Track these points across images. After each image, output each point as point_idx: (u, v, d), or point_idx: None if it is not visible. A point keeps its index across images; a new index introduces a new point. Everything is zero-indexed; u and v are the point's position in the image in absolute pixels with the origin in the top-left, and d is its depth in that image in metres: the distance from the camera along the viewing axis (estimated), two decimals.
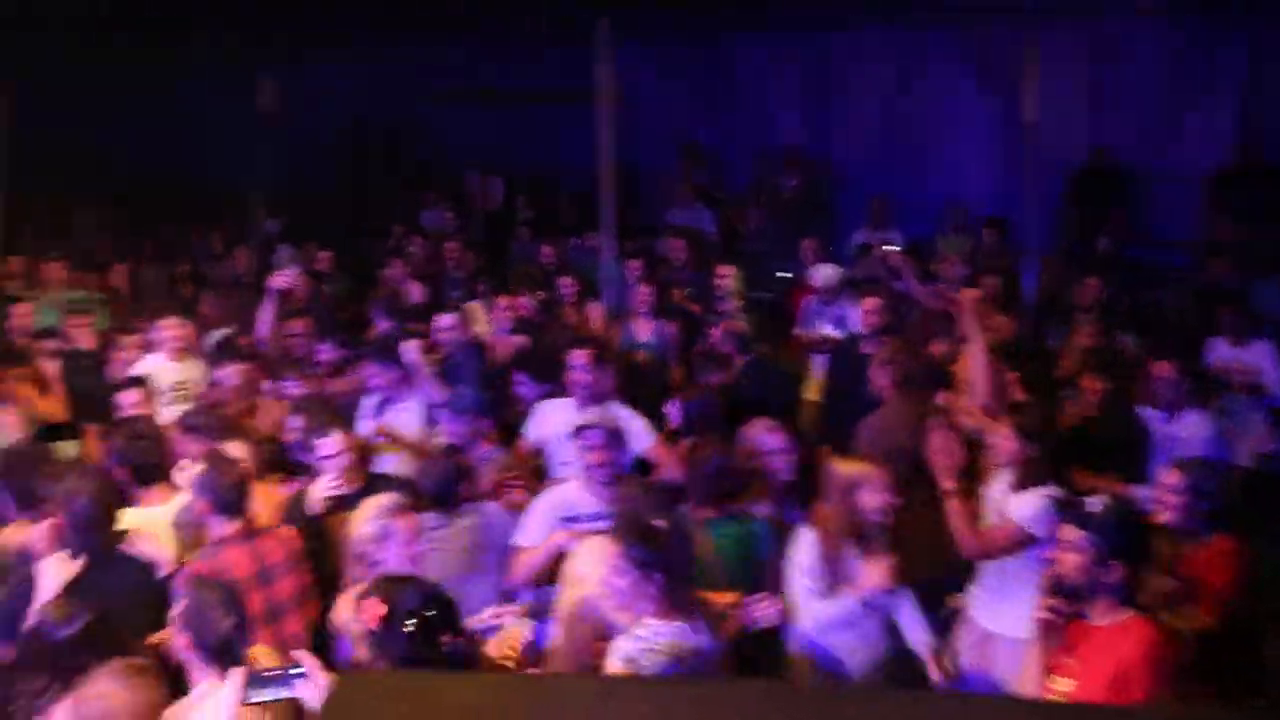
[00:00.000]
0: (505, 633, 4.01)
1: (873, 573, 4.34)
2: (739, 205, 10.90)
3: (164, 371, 6.73)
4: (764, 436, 5.14)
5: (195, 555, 4.49)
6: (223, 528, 4.46)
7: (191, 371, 6.85)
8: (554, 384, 6.19)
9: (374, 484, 5.05)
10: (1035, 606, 3.75)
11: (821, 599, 4.36)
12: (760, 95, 11.44)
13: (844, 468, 4.57)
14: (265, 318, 7.15)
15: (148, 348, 7.09)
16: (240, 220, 11.22)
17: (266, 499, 4.98)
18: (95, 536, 4.36)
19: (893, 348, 5.93)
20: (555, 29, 10.20)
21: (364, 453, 5.50)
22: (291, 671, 2.99)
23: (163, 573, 4.39)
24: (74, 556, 4.27)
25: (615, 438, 5.03)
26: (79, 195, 12.01)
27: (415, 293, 8.89)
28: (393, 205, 11.35)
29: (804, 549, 4.47)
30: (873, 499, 4.43)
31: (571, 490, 5.03)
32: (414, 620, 3.30)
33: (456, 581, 4.54)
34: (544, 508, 4.96)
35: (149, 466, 4.95)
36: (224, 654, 3.51)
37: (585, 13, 8.79)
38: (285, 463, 5.48)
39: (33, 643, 3.82)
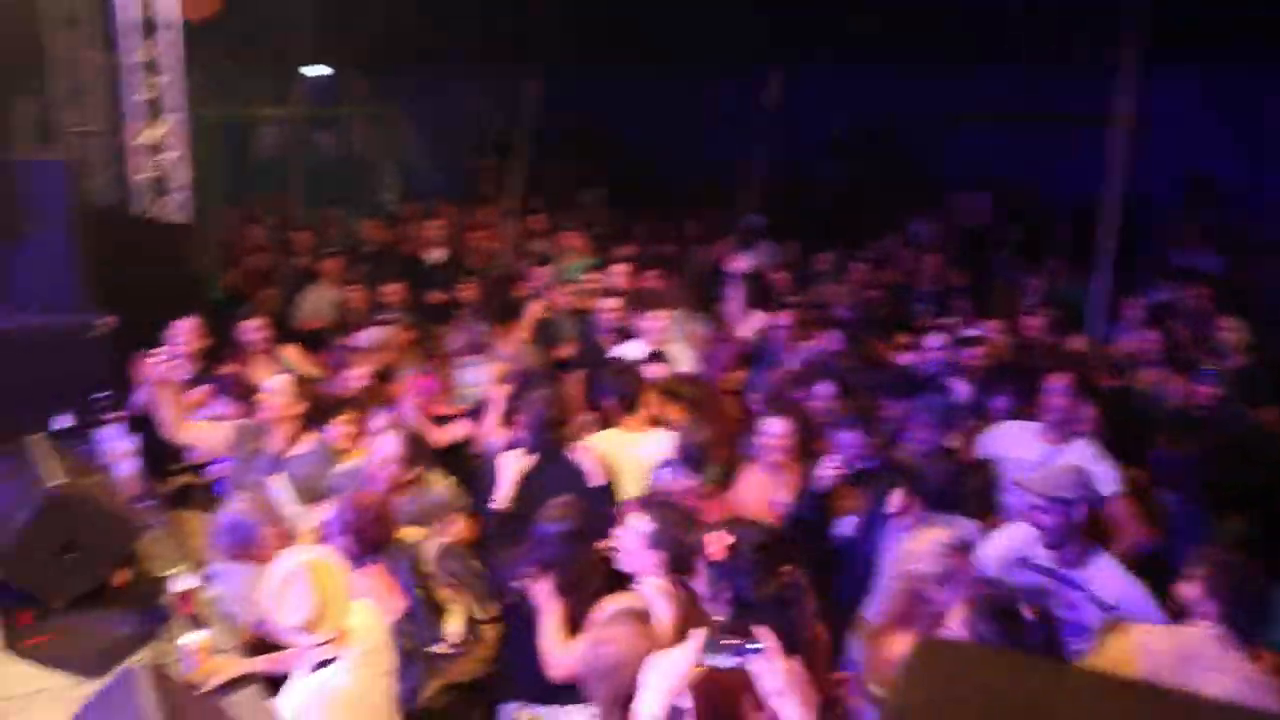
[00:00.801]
0: None
1: None
2: (1261, 252, 9.85)
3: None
4: None
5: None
6: (680, 481, 4.97)
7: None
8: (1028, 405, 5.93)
9: (890, 470, 5.12)
10: None
11: None
12: None
13: None
14: (734, 302, 7.36)
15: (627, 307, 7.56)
16: (730, 211, 11.73)
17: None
18: (547, 438, 5.23)
19: None
20: (1071, 51, 9.73)
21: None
22: (748, 645, 3.03)
23: (592, 482, 5.12)
24: (529, 453, 5.18)
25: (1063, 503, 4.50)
26: (590, 174, 13.12)
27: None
28: (882, 213, 11.36)
29: None
30: None
31: (1030, 534, 4.64)
32: (758, 552, 3.43)
33: None
34: (999, 548, 4.70)
35: (629, 397, 5.70)
36: (684, 565, 3.93)
37: (1109, 36, 8.34)
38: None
39: (528, 536, 4.40)
